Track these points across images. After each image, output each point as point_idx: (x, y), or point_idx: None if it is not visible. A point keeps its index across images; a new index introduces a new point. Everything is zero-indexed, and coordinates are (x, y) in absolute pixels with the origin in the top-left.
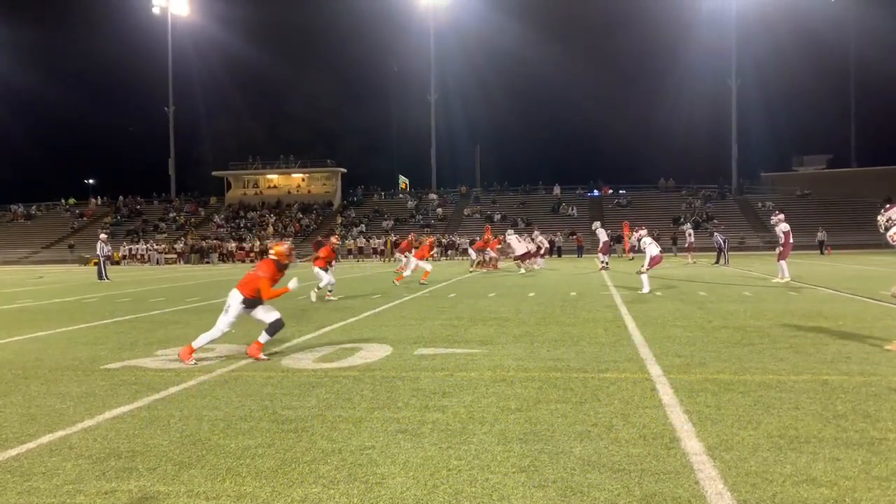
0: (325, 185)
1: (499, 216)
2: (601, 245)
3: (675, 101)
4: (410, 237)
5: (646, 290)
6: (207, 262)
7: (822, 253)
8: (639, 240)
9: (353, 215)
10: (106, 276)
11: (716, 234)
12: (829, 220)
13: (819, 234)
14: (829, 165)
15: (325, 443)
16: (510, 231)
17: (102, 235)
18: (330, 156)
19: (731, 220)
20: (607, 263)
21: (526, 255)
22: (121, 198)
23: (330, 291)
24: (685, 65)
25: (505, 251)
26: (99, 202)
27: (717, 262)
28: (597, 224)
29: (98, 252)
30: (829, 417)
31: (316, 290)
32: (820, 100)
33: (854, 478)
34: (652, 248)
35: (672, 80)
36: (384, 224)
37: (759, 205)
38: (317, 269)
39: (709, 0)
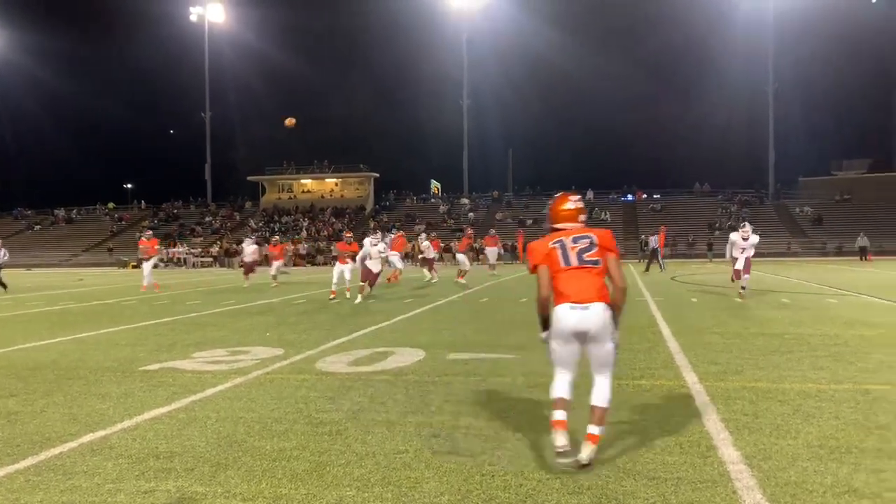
0: (357, 189)
1: (531, 221)
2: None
3: (710, 105)
4: (399, 236)
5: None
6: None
7: (863, 259)
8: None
9: (386, 219)
10: (2, 284)
11: (649, 238)
12: (871, 226)
13: (860, 239)
14: (869, 169)
15: (359, 446)
16: (422, 235)
17: None
18: (363, 160)
19: (768, 226)
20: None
21: (433, 262)
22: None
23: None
24: (721, 68)
25: (420, 255)
26: (142, 206)
27: (647, 270)
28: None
29: None
30: (871, 428)
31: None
32: (859, 102)
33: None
34: None
35: (708, 83)
36: (416, 228)
37: (798, 210)
38: (341, 268)
39: (746, 2)
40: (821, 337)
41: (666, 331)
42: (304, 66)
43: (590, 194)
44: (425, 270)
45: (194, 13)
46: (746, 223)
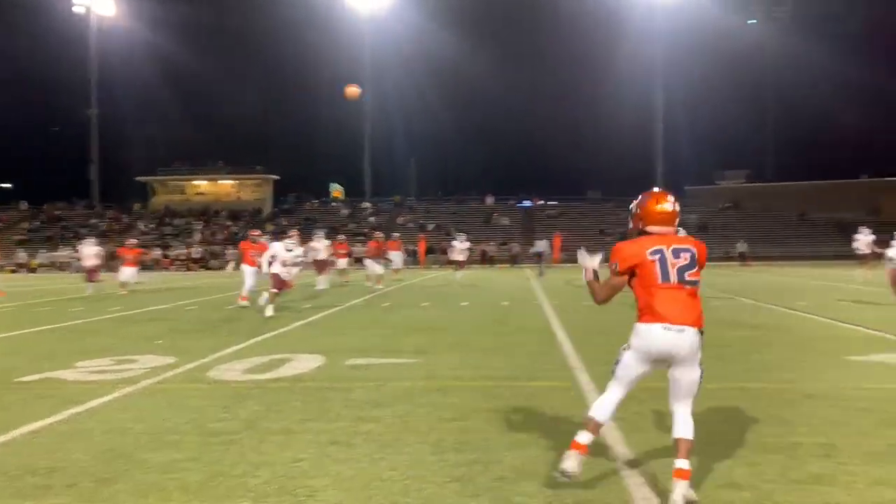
0: (255, 191)
1: (433, 225)
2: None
3: (605, 116)
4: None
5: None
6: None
7: (743, 264)
8: None
9: (285, 223)
10: None
11: (536, 243)
12: (750, 233)
13: (740, 245)
14: (747, 180)
15: (255, 455)
16: (318, 233)
17: None
18: (261, 162)
19: None
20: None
21: (324, 264)
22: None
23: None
24: (614, 79)
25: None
26: (21, 207)
27: (541, 274)
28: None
29: None
30: (748, 424)
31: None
32: (740, 117)
33: (773, 481)
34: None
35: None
36: (315, 232)
37: (684, 217)
38: (248, 269)
39: (638, 20)
40: (708, 339)
41: (561, 333)
42: (199, 63)
43: (490, 199)
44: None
45: (79, 5)
46: None
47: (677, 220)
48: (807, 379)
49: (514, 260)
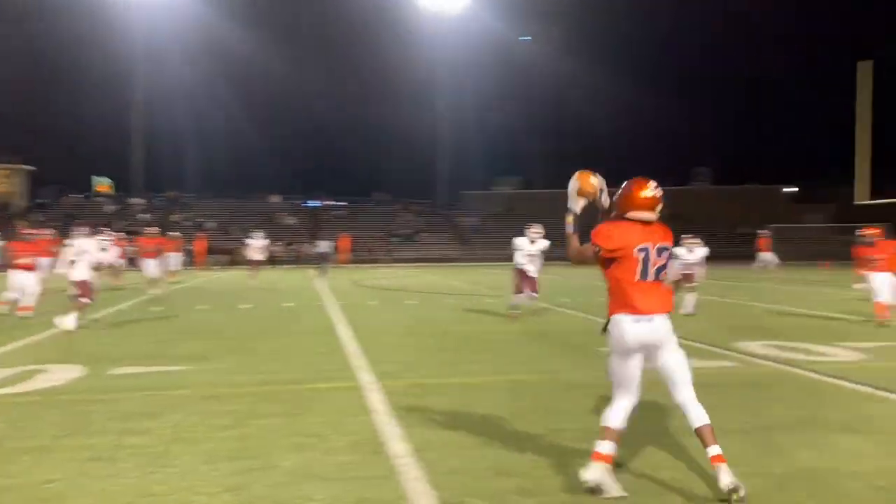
0: (5, 183)
1: (214, 223)
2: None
3: (391, 119)
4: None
5: None
6: None
7: None
8: None
9: (43, 219)
10: None
11: (318, 243)
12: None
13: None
14: (520, 186)
15: (1, 479)
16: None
17: None
18: (16, 151)
19: (440, 236)
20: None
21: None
22: None
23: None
24: (396, 82)
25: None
26: None
27: (324, 274)
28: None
29: None
30: (518, 413)
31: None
32: (515, 127)
33: (541, 466)
34: None
35: (389, 97)
36: (74, 231)
37: (464, 220)
38: (23, 276)
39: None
40: (481, 333)
41: (345, 334)
42: None
43: (276, 198)
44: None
45: None
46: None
47: (659, 206)
48: (570, 369)
49: (299, 260)
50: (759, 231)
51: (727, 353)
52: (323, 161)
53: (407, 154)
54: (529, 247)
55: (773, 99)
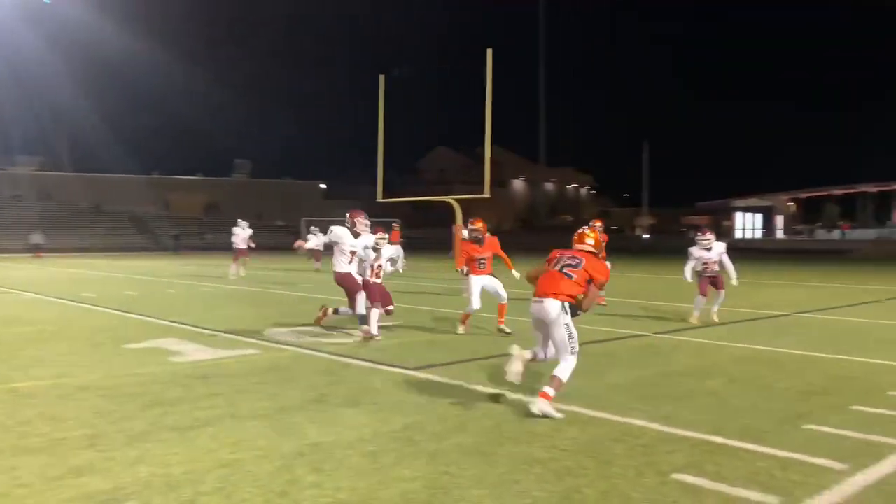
0: None
1: None
2: None
3: None
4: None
5: None
6: None
7: (35, 256)
8: None
9: None
10: None
11: None
12: (44, 223)
13: (34, 236)
14: (42, 168)
15: None
16: None
17: None
18: None
19: None
20: None
21: None
22: None
23: None
24: None
25: None
26: None
27: None
28: None
29: None
30: (13, 425)
31: None
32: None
33: (30, 484)
34: None
35: None
36: None
37: None
38: None
39: None
40: None
41: None
42: None
43: None
44: None
45: None
46: None
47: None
48: (82, 372)
49: None
50: (393, 223)
51: (255, 341)
52: None
53: None
54: None
55: (314, 107)
